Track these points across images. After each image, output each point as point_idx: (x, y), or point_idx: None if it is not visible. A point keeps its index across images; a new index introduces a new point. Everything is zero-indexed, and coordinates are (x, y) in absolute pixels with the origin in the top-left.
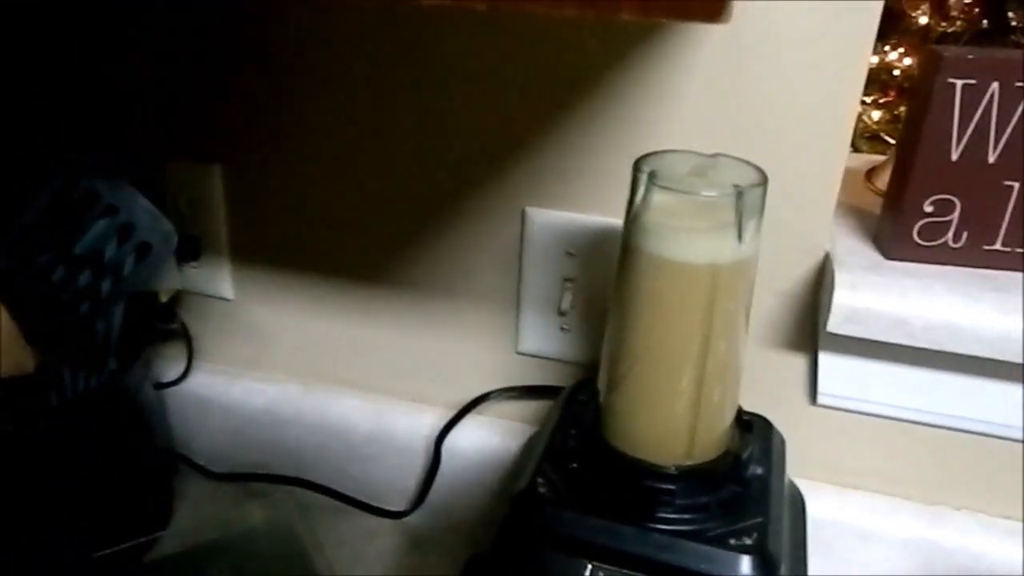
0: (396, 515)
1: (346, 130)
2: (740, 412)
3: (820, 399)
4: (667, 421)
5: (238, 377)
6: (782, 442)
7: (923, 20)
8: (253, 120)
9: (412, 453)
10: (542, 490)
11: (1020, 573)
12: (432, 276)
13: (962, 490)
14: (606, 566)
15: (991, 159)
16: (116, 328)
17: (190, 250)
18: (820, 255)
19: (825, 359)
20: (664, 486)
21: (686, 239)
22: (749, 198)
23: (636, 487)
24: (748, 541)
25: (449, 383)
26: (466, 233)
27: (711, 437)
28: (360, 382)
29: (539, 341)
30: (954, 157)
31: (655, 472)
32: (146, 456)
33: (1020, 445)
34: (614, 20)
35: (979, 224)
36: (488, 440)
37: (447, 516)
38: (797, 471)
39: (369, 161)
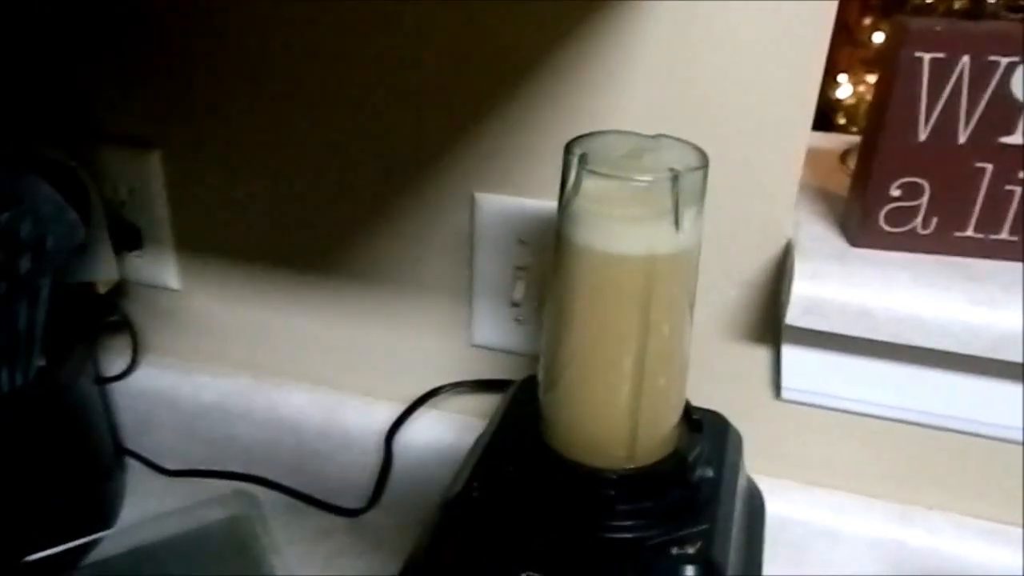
0: (350, 513)
1: (290, 116)
2: (689, 410)
3: (784, 394)
4: (607, 422)
5: (187, 371)
6: (739, 439)
7: None
8: (193, 103)
9: (365, 449)
10: (476, 495)
11: (992, 574)
12: (382, 266)
13: (935, 489)
14: None
15: (961, 139)
16: (40, 323)
17: (130, 239)
18: (782, 243)
19: (789, 352)
20: (604, 492)
21: (620, 228)
22: (687, 183)
23: (574, 493)
24: (691, 550)
25: (402, 377)
26: (415, 221)
27: (655, 438)
28: (311, 375)
29: (493, 333)
30: (922, 137)
31: (594, 477)
32: (83, 454)
33: (995, 442)
34: None
35: (949, 209)
36: (443, 435)
37: (403, 514)
38: (761, 468)
39: (315, 147)
